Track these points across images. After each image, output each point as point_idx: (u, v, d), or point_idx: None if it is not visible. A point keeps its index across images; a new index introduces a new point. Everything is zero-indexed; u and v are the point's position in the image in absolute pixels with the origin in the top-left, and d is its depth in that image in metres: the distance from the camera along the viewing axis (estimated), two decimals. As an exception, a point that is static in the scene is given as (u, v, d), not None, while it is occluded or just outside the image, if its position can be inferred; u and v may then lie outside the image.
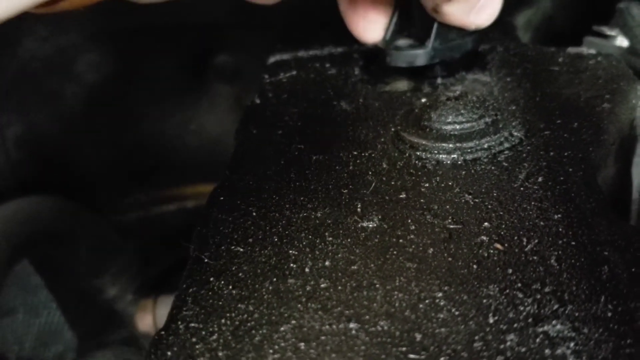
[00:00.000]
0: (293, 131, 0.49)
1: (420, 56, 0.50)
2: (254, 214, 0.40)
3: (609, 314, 0.30)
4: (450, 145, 0.42)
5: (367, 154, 0.44)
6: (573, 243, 0.34)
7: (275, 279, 0.34)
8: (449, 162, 0.42)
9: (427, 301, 0.32)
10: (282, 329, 0.31)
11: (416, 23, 0.50)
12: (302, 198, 0.41)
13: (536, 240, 0.34)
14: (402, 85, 0.54)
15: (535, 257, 0.33)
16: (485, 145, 0.42)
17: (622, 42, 0.55)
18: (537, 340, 0.29)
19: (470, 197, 0.39)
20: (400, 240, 0.36)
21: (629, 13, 0.55)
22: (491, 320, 0.30)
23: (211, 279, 0.35)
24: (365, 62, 0.58)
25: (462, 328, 0.30)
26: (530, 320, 0.30)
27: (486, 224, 0.36)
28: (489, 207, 0.38)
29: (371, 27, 0.50)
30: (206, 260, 0.37)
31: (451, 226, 0.36)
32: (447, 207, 0.38)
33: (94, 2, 0.34)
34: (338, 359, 0.29)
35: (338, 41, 0.62)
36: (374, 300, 0.32)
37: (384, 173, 0.42)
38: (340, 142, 0.46)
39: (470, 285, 0.32)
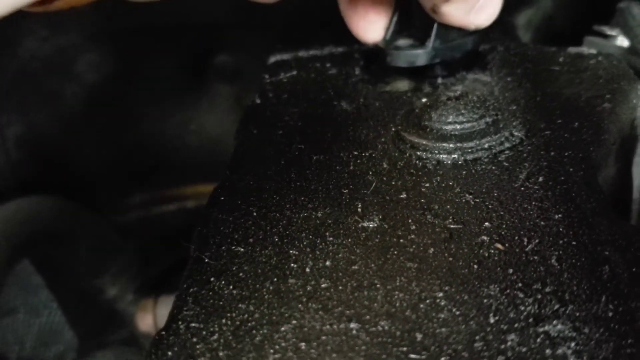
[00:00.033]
0: (293, 131, 0.49)
1: (420, 56, 0.50)
2: (255, 214, 0.40)
3: (610, 314, 0.30)
4: (451, 145, 0.42)
5: (367, 154, 0.44)
6: (574, 243, 0.34)
7: (275, 279, 0.34)
8: (449, 162, 0.42)
9: (427, 301, 0.32)
10: (282, 329, 0.31)
11: (416, 23, 0.50)
12: (302, 198, 0.41)
13: (537, 240, 0.34)
14: (402, 85, 0.54)
15: (536, 257, 0.33)
16: (486, 145, 0.42)
17: (623, 41, 0.55)
18: (538, 340, 0.29)
19: (470, 197, 0.39)
20: (401, 240, 0.36)
21: (630, 13, 0.55)
22: (492, 320, 0.30)
23: (212, 279, 0.35)
24: (366, 62, 0.58)
25: (463, 328, 0.30)
26: (531, 320, 0.30)
27: (487, 223, 0.36)
28: (490, 207, 0.37)
29: (371, 27, 0.50)
30: (207, 260, 0.37)
31: (452, 226, 0.36)
32: (448, 207, 0.38)
33: (90, 1, 0.34)
34: (339, 359, 0.29)
35: (338, 41, 0.62)
36: (375, 300, 0.32)
37: (385, 173, 0.42)
38: (340, 142, 0.46)
39: (471, 285, 0.32)
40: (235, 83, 0.92)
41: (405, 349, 0.29)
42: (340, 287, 0.33)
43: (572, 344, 0.28)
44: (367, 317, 0.31)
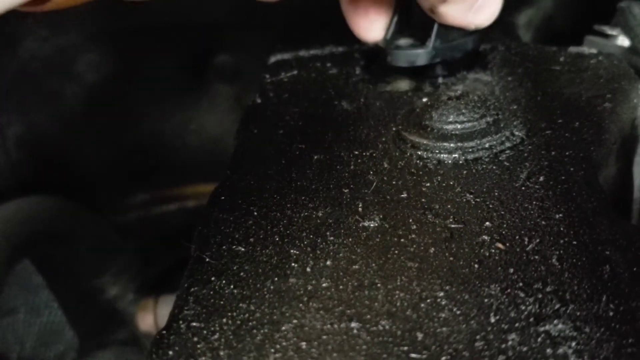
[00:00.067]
0: (294, 131, 0.49)
1: (421, 56, 0.50)
2: (255, 213, 0.40)
3: (611, 314, 0.30)
4: (452, 145, 0.42)
5: (368, 154, 0.44)
6: (574, 242, 0.34)
7: (276, 279, 0.34)
8: (450, 161, 0.42)
9: (428, 300, 0.32)
10: (283, 328, 0.31)
11: (417, 23, 0.50)
12: (303, 197, 0.41)
13: (537, 240, 0.34)
14: (403, 84, 0.54)
15: (536, 257, 0.33)
16: (487, 145, 0.42)
17: (624, 41, 0.55)
18: (539, 339, 0.29)
19: (471, 196, 0.39)
20: (402, 240, 0.36)
21: (630, 12, 0.54)
22: (493, 320, 0.30)
23: (212, 278, 0.35)
24: (367, 62, 0.58)
25: (464, 327, 0.30)
26: (531, 319, 0.30)
27: (487, 223, 0.36)
28: (491, 206, 0.37)
29: (372, 26, 0.50)
30: (207, 260, 0.37)
31: (452, 226, 0.36)
32: (449, 206, 0.38)
33: (85, 1, 0.34)
34: (339, 358, 0.29)
35: (339, 41, 0.61)
36: (376, 300, 0.32)
37: (385, 172, 0.42)
38: (341, 141, 0.46)
39: (471, 284, 0.32)
40: (235, 83, 0.92)
41: (406, 348, 0.29)
42: (341, 287, 0.33)
43: (573, 344, 0.28)
44: (368, 316, 0.31)
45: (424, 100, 0.49)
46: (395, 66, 0.51)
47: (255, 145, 0.49)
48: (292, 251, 0.36)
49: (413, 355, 0.29)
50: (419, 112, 0.45)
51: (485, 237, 0.35)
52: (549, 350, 0.28)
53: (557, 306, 0.30)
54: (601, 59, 0.52)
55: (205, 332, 0.32)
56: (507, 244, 0.34)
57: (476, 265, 0.33)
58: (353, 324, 0.31)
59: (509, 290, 0.31)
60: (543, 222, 0.36)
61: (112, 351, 0.83)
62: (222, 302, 0.33)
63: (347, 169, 0.43)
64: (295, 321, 0.31)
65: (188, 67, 0.91)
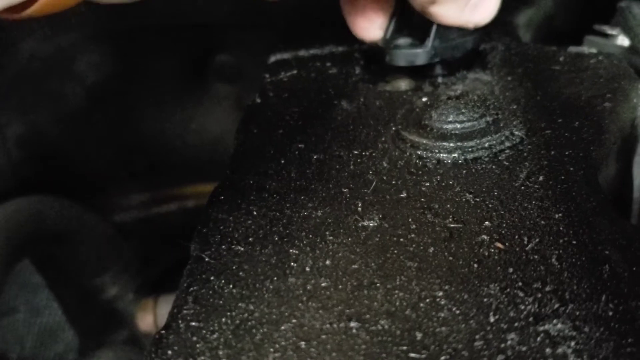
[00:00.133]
0: (294, 130, 0.49)
1: (420, 55, 0.50)
2: (255, 213, 0.40)
3: (610, 313, 0.30)
4: (451, 144, 0.42)
5: (367, 153, 0.44)
6: (574, 242, 0.34)
7: (275, 278, 0.34)
8: (449, 161, 0.42)
9: (427, 300, 0.32)
10: (282, 327, 0.31)
11: (416, 22, 0.50)
12: (302, 197, 0.41)
13: (537, 239, 0.34)
14: (402, 84, 0.54)
15: (536, 256, 0.33)
16: (486, 144, 0.42)
17: (623, 41, 0.55)
18: (538, 339, 0.29)
19: (471, 196, 0.39)
20: (401, 239, 0.36)
21: (630, 12, 0.54)
22: (492, 319, 0.30)
23: (212, 278, 0.35)
24: (366, 62, 0.58)
25: (463, 327, 0.30)
26: (531, 319, 0.30)
27: (487, 223, 0.36)
28: (490, 206, 0.37)
29: (371, 25, 0.50)
30: (207, 260, 0.37)
31: (452, 225, 0.36)
32: (448, 206, 0.38)
33: (64, 8, 0.34)
34: (339, 357, 0.29)
35: (339, 40, 0.62)
36: (375, 299, 0.32)
37: (385, 172, 0.42)
38: (340, 141, 0.46)
39: (471, 284, 0.32)
40: (235, 83, 0.92)
41: (405, 347, 0.29)
42: (340, 286, 0.33)
43: (572, 343, 0.28)
44: (367, 316, 0.31)
45: (424, 99, 0.49)
46: (394, 66, 0.51)
47: (255, 145, 0.49)
48: (291, 251, 0.36)
49: (412, 354, 0.29)
50: (419, 111, 0.45)
51: (485, 237, 0.35)
52: (548, 350, 0.28)
53: (557, 306, 0.30)
54: (601, 58, 0.52)
55: (204, 331, 0.32)
56: (507, 244, 0.34)
57: (475, 265, 0.33)
58: (352, 324, 0.31)
59: (508, 290, 0.31)
60: (542, 222, 0.36)
61: (112, 351, 0.83)
62: (221, 302, 0.33)
63: (347, 168, 0.43)
64: (294, 321, 0.31)
65: (188, 67, 0.91)
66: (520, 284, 0.32)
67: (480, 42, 0.53)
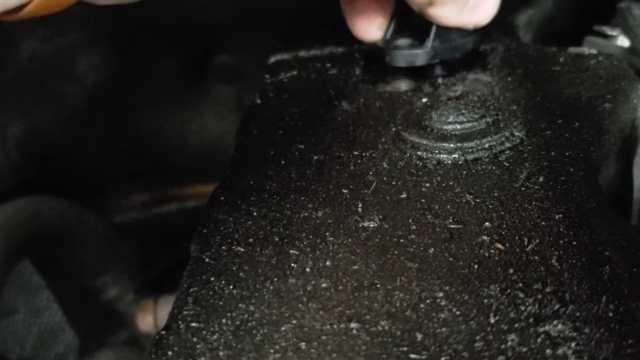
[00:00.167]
0: (294, 131, 0.49)
1: (420, 56, 0.50)
2: (255, 213, 0.40)
3: (611, 314, 0.30)
4: (451, 145, 0.42)
5: (367, 154, 0.44)
6: (574, 243, 0.34)
7: (276, 279, 0.34)
8: (449, 162, 0.42)
9: (428, 301, 0.32)
10: (283, 328, 0.31)
11: (416, 23, 0.50)
12: (302, 198, 0.41)
13: (537, 240, 0.34)
14: (403, 85, 0.54)
15: (536, 257, 0.33)
16: (486, 145, 0.42)
17: (623, 42, 0.55)
18: (538, 340, 0.29)
19: (471, 197, 0.38)
20: (401, 240, 0.36)
21: (630, 13, 0.54)
22: (492, 320, 0.30)
23: (212, 278, 0.35)
24: (366, 62, 0.58)
25: (463, 328, 0.30)
26: (531, 320, 0.30)
27: (487, 223, 0.36)
28: (490, 207, 0.37)
29: (371, 26, 0.50)
30: (207, 260, 0.37)
31: (452, 226, 0.36)
32: (448, 207, 0.38)
33: (58, 10, 0.34)
34: (339, 358, 0.29)
35: (339, 41, 0.61)
36: (375, 300, 0.32)
37: (385, 173, 0.42)
38: (340, 142, 0.46)
39: (471, 285, 0.32)
40: (235, 83, 0.92)
41: (405, 348, 0.29)
42: (340, 287, 0.33)
43: (573, 344, 0.28)
44: (368, 317, 0.31)
45: (424, 100, 0.49)
46: (394, 66, 0.51)
47: (255, 145, 0.49)
48: (291, 251, 0.36)
49: (412, 355, 0.29)
50: (419, 112, 0.45)
51: (485, 238, 0.35)
52: (548, 351, 0.28)
53: (557, 307, 0.30)
54: (601, 59, 0.52)
55: (204, 332, 0.32)
56: (507, 245, 0.34)
57: (476, 266, 0.33)
58: (352, 325, 0.31)
59: (508, 291, 0.31)
60: (543, 223, 0.36)
61: (112, 351, 0.83)
62: (221, 303, 0.33)
63: (347, 169, 0.43)
64: (294, 321, 0.31)
65: (188, 67, 0.91)
66: (520, 284, 0.32)
67: (480, 43, 0.53)
